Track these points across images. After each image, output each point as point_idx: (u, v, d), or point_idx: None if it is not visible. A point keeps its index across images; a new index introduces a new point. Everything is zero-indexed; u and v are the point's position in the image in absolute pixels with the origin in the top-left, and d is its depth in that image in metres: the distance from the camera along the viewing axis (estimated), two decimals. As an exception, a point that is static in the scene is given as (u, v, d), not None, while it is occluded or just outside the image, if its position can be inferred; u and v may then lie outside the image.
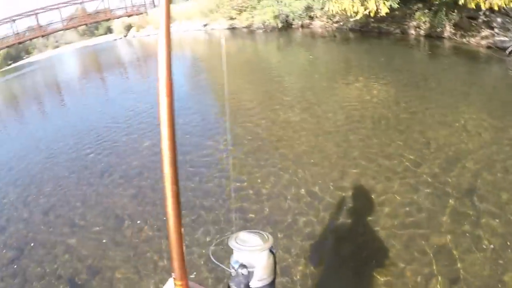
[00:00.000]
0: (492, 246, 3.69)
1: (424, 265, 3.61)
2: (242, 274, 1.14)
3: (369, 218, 4.34)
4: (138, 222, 5.33)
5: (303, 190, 5.15)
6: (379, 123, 6.78)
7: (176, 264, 1.07)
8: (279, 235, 4.36)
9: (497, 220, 3.98)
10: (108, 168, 7.39)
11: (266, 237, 1.19)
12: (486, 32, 12.96)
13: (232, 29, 26.82)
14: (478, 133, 5.98)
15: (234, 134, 7.36)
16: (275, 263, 1.23)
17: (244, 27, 24.67)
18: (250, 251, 1.15)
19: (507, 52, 11.23)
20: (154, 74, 13.12)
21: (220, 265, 1.24)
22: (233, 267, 1.15)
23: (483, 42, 12.89)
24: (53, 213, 6.18)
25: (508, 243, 3.69)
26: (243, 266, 1.15)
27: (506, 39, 11.65)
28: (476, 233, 3.85)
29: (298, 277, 3.77)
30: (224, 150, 6.76)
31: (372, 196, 4.74)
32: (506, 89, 8.10)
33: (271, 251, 1.19)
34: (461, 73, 9.97)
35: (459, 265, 3.54)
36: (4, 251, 5.51)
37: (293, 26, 20.54)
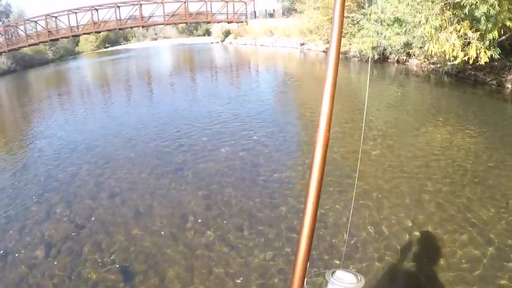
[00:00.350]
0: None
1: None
2: None
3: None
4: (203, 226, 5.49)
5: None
6: (456, 172, 6.90)
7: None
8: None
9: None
10: (183, 166, 7.94)
11: (359, 278, 1.26)
12: None
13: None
14: None
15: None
16: None
17: (341, 53, 25.06)
18: None
19: None
20: (243, 82, 14.34)
21: None
22: None
23: None
24: (120, 198, 6.56)
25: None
26: None
27: None
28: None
29: None
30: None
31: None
32: None
33: None
34: None
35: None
36: (67, 224, 5.84)
37: (389, 60, 20.62)
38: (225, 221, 5.54)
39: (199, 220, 5.63)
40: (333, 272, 1.28)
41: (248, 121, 10.75)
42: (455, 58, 12.98)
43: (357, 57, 22.20)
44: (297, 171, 7.39)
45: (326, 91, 1.21)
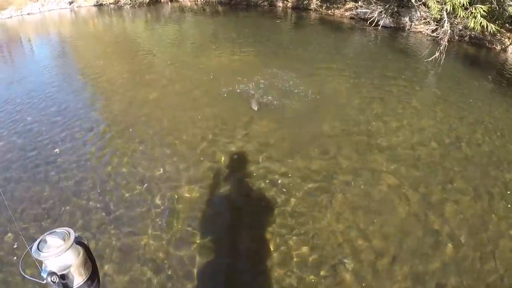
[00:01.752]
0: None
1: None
2: (54, 282, 1.12)
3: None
4: None
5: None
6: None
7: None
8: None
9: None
10: None
11: (67, 233, 1.18)
12: (350, 4, 13.39)
13: (99, 5, 24.20)
14: (338, 89, 7.01)
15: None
16: (88, 251, 1.26)
17: (111, 3, 22.32)
18: (56, 256, 1.13)
19: (368, 22, 11.70)
20: (18, 63, 10.58)
21: (34, 279, 1.18)
22: (45, 278, 1.12)
23: (347, 14, 13.32)
24: None
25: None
26: (52, 274, 1.12)
27: (368, 10, 12.11)
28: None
29: None
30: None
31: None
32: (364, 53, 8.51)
33: (78, 243, 1.21)
34: (323, 41, 10.12)
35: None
36: None
37: (161, 0, 19.11)
38: None
39: None
40: (39, 244, 1.15)
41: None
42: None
43: (129, 4, 19.90)
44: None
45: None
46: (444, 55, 8.45)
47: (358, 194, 4.53)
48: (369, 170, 4.89)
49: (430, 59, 8.50)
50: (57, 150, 5.61)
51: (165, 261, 3.73)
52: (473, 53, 9.95)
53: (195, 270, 3.63)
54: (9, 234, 4.13)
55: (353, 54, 9.78)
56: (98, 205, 4.48)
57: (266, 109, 6.35)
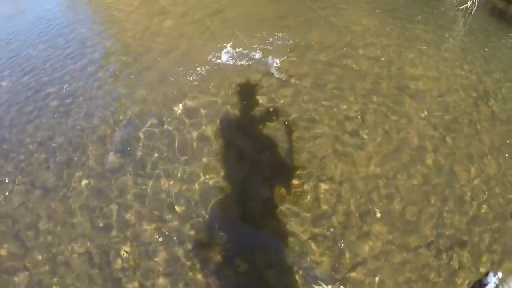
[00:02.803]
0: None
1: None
2: None
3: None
4: None
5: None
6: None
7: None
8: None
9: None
10: None
11: None
12: None
13: None
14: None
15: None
16: None
17: None
18: None
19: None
20: None
21: None
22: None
23: None
24: None
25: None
26: None
27: None
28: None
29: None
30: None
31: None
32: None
33: None
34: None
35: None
36: None
37: None
38: None
39: None
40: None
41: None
42: None
43: None
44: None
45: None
46: (476, 5, 7.96)
47: (387, 138, 4.40)
48: (396, 113, 4.72)
49: (462, 7, 8.00)
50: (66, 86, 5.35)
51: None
52: (506, 7, 9.44)
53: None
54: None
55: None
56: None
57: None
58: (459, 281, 3.33)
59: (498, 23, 8.19)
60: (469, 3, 7.97)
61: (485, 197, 3.91)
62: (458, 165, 4.19)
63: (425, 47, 6.30)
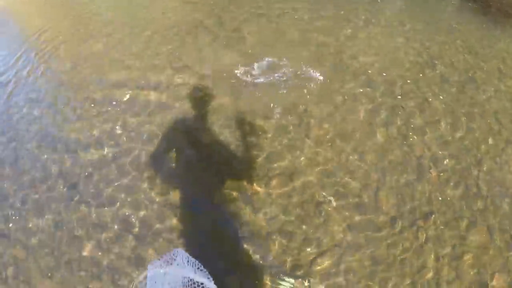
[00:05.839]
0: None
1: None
2: None
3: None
4: None
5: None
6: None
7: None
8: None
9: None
10: None
11: None
12: None
13: None
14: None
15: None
16: None
17: None
18: None
19: None
20: None
21: None
22: None
23: None
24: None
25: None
26: None
27: None
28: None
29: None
30: None
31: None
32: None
33: None
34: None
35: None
36: None
37: None
38: None
39: None
40: None
41: None
42: None
43: None
44: None
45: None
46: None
47: (335, 121, 4.22)
48: (342, 94, 4.52)
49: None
50: None
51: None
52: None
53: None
54: None
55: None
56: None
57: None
58: (428, 255, 3.18)
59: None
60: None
61: (445, 163, 3.78)
62: (412, 136, 4.04)
63: (363, 22, 6.04)
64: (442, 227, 3.37)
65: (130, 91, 4.72)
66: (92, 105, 4.58)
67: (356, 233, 3.31)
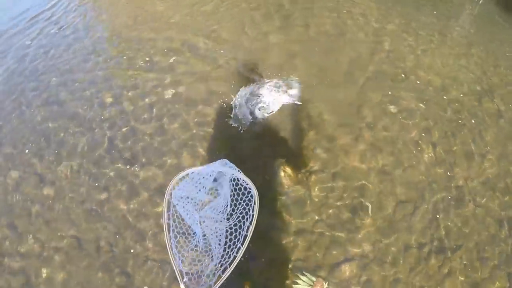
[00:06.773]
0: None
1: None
2: None
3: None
4: None
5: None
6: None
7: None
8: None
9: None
10: None
11: None
12: None
13: None
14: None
15: None
16: None
17: None
18: None
19: None
20: None
21: None
22: None
23: None
24: None
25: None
26: None
27: None
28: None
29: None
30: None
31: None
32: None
33: None
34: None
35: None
36: None
37: None
38: None
39: None
40: None
41: None
42: None
43: None
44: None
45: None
46: (483, -6, 7.59)
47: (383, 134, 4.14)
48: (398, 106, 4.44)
49: (469, -5, 7.61)
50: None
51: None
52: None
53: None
54: None
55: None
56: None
57: None
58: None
59: (509, 15, 7.84)
60: (477, -9, 7.57)
61: (483, 200, 3.71)
62: (457, 164, 3.96)
63: (429, 37, 5.91)
64: (466, 262, 3.35)
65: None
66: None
67: (384, 249, 3.31)
